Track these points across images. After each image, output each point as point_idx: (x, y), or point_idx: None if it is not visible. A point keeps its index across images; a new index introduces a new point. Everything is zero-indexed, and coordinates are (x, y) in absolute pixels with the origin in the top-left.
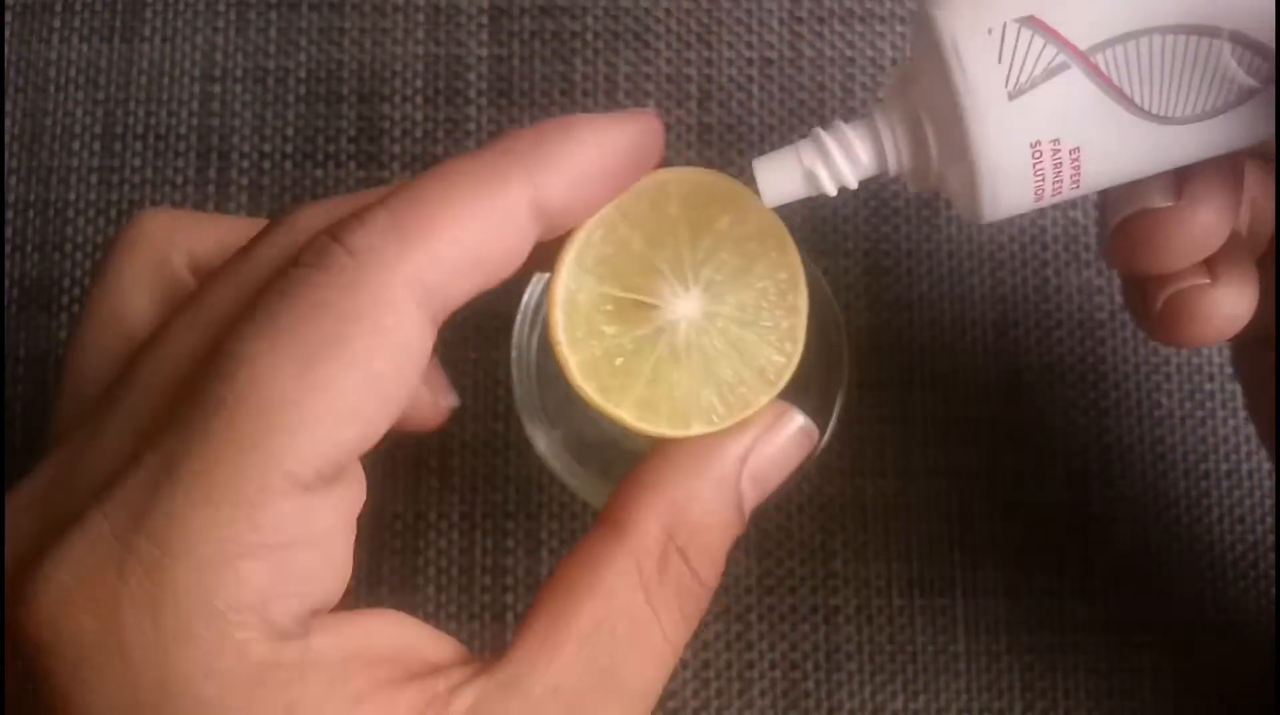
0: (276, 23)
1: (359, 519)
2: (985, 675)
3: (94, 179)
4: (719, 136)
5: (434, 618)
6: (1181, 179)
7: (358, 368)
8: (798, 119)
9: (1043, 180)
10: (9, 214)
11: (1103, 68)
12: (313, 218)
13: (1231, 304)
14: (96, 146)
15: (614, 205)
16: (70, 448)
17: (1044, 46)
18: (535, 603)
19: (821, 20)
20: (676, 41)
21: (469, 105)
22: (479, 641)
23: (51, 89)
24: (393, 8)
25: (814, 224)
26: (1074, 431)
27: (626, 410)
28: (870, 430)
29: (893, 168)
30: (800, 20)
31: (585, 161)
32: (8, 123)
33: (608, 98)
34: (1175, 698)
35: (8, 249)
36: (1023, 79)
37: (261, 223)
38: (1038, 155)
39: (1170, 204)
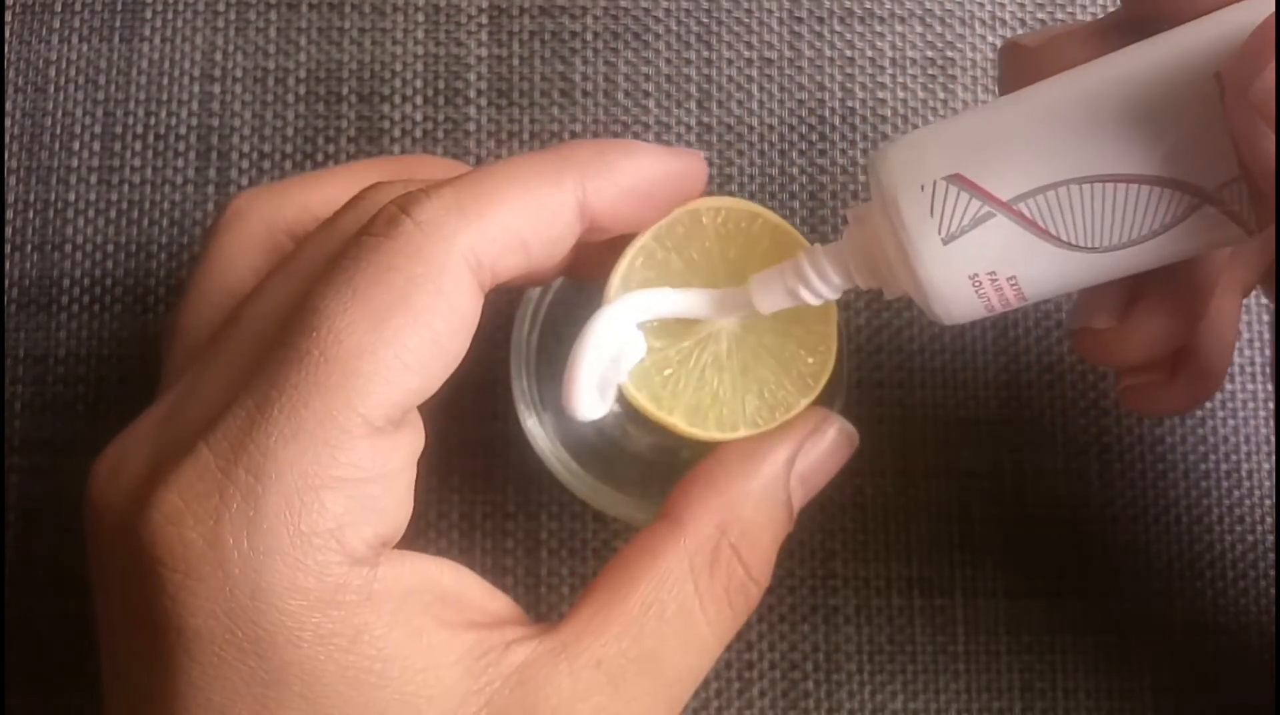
0: (276, 23)
1: (420, 462)
2: (985, 675)
3: (94, 179)
4: (719, 136)
5: None
6: (1131, 292)
7: (422, 324)
8: (797, 119)
9: (989, 300)
10: (9, 214)
11: (1027, 214)
12: (390, 191)
13: (1184, 399)
14: (96, 146)
15: (651, 234)
16: (182, 386)
17: (969, 200)
18: (595, 580)
19: (821, 20)
20: (676, 41)
21: (469, 105)
22: None
23: (51, 89)
24: (393, 8)
25: (813, 224)
26: (1074, 431)
27: (679, 417)
28: (870, 430)
29: (862, 286)
30: (800, 20)
31: (635, 178)
32: (8, 123)
33: (607, 98)
34: (1175, 698)
35: (8, 249)
36: (953, 228)
37: (352, 170)
38: (977, 284)
39: (1110, 327)
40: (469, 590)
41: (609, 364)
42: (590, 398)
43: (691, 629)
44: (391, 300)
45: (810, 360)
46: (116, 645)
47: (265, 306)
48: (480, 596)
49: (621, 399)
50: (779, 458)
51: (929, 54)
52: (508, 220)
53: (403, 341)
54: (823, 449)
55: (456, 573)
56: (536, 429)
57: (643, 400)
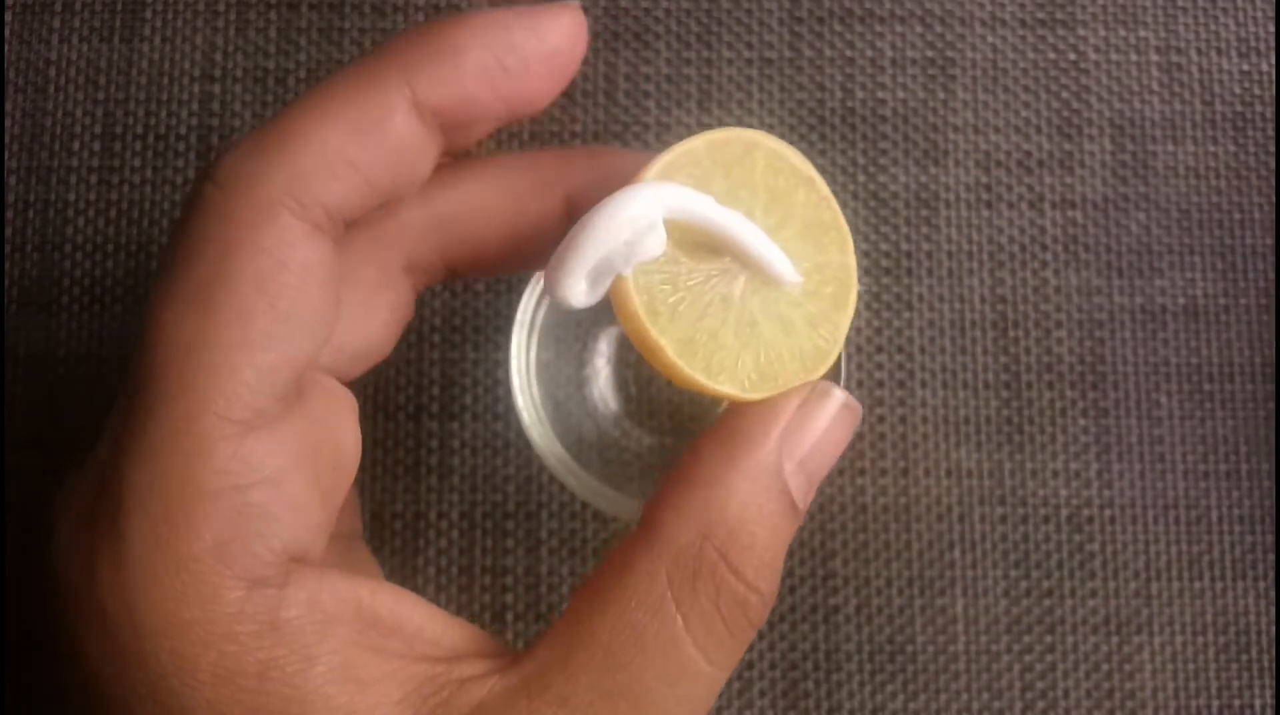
0: (276, 23)
1: (361, 464)
2: (985, 675)
3: (94, 179)
4: None
5: None
6: None
7: (249, 292)
8: (797, 119)
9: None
10: (9, 214)
11: None
12: None
13: None
14: (96, 146)
15: (704, 140)
16: None
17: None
18: (568, 606)
19: (821, 20)
20: (676, 42)
21: None
22: None
23: (51, 89)
24: (393, 8)
25: None
26: (1074, 431)
27: (668, 341)
28: (870, 430)
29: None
30: (800, 20)
31: (480, 55)
32: (8, 123)
33: (607, 98)
34: (1175, 698)
35: (8, 249)
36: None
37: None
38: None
39: None
40: (413, 618)
41: (619, 248)
42: (580, 279)
43: (675, 654)
44: (210, 276)
45: (816, 342)
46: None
47: None
48: (427, 625)
49: (605, 302)
50: (765, 438)
51: (929, 54)
52: (321, 143)
53: (234, 317)
54: (820, 425)
55: (396, 597)
56: (536, 429)
57: (638, 305)
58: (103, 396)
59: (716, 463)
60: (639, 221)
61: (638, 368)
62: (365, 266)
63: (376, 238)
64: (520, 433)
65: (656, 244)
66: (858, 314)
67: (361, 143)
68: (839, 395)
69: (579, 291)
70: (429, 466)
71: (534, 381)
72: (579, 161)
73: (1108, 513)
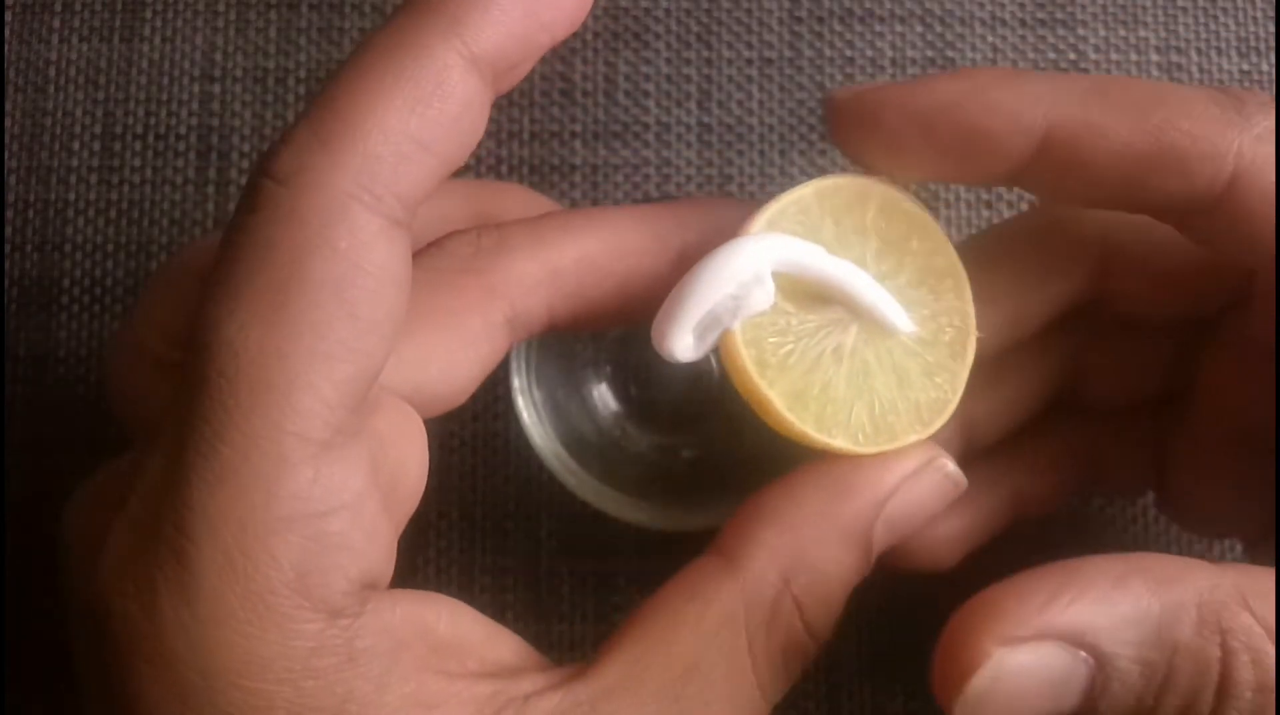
0: (276, 23)
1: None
2: None
3: (94, 179)
4: (719, 137)
5: None
6: None
7: (326, 300)
8: (797, 119)
9: None
10: (9, 214)
11: None
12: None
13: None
14: (96, 146)
15: (812, 188)
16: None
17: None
18: (631, 620)
19: (821, 20)
20: (676, 41)
21: None
22: None
23: (51, 89)
24: (392, 7)
25: None
26: None
27: (777, 393)
28: None
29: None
30: (800, 20)
31: (517, 2)
32: (8, 123)
33: (607, 98)
34: None
35: (8, 249)
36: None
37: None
38: None
39: None
40: (472, 633)
41: (726, 302)
42: (686, 333)
43: (743, 690)
44: (280, 283)
45: (932, 393)
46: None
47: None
48: (485, 639)
49: (713, 353)
50: (868, 499)
51: (929, 54)
52: (385, 127)
53: (310, 328)
54: (923, 492)
55: (454, 613)
56: (536, 429)
57: (747, 359)
58: (103, 397)
59: (813, 508)
60: (744, 274)
61: (638, 368)
62: (469, 314)
63: (486, 287)
64: (520, 433)
65: (764, 297)
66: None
67: (424, 115)
68: (950, 470)
69: (686, 345)
70: (429, 466)
71: (534, 381)
72: (693, 216)
73: (1108, 513)
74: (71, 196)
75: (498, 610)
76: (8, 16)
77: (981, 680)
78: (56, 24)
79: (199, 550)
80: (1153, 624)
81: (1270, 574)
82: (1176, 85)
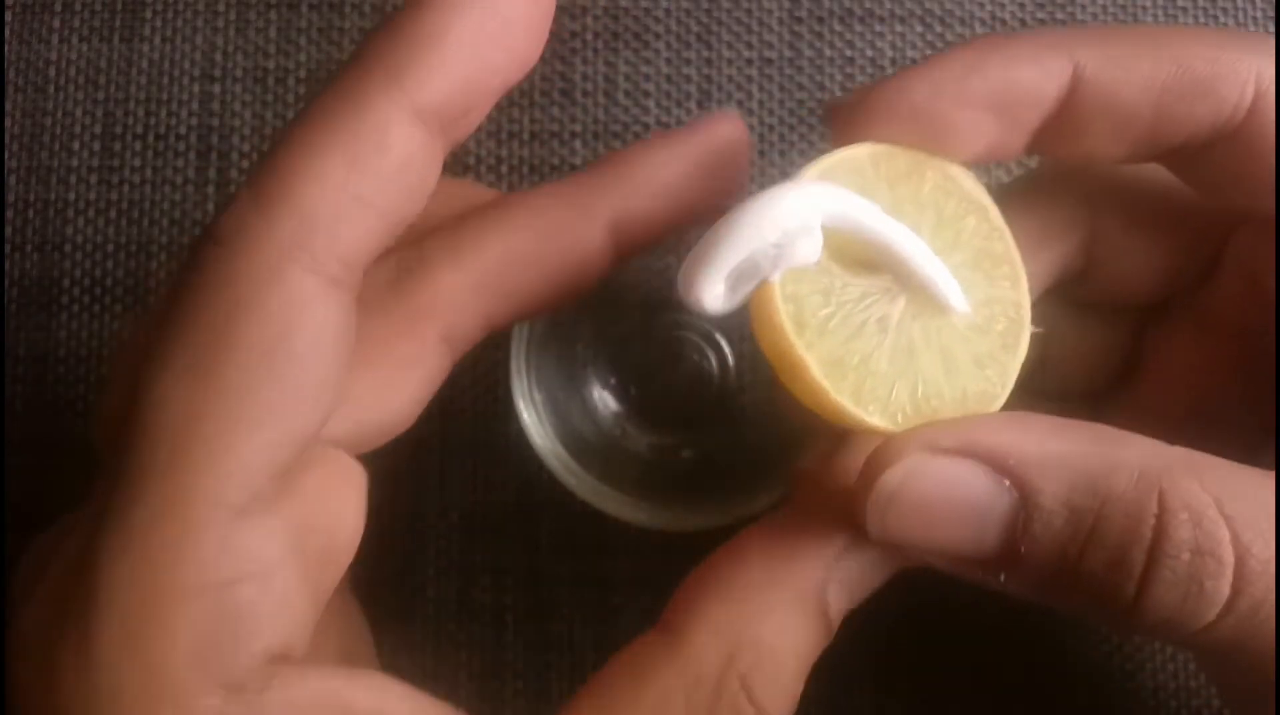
0: (276, 23)
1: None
2: (986, 676)
3: (94, 179)
4: None
5: (433, 619)
6: None
7: (254, 362)
8: (797, 119)
9: None
10: (9, 214)
11: None
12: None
13: None
14: (96, 146)
15: (867, 149)
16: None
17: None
18: (577, 696)
19: (821, 20)
20: (676, 42)
21: None
22: (478, 642)
23: (51, 89)
24: (392, 8)
25: None
26: None
27: (814, 358)
28: None
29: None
30: (800, 20)
31: (455, 41)
32: (8, 123)
33: (607, 98)
34: (1176, 697)
35: (8, 249)
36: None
37: None
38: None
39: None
40: (397, 711)
41: (767, 250)
42: (718, 282)
43: None
44: (210, 345)
45: (981, 385)
46: None
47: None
48: (411, 713)
49: (744, 308)
50: (814, 563)
51: (929, 54)
52: (324, 184)
53: (235, 390)
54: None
55: (378, 690)
56: (536, 429)
57: (784, 316)
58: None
59: (757, 576)
60: (792, 222)
61: (638, 368)
62: (400, 341)
63: (412, 310)
64: (520, 433)
65: (811, 250)
66: (1028, 360)
67: (364, 171)
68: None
69: (715, 294)
70: (429, 467)
71: (534, 382)
72: (615, 177)
73: None
74: (71, 196)
75: (497, 610)
76: (8, 16)
77: (893, 476)
78: (56, 24)
79: (99, 618)
80: (1085, 470)
81: (1232, 465)
82: (1181, 25)
